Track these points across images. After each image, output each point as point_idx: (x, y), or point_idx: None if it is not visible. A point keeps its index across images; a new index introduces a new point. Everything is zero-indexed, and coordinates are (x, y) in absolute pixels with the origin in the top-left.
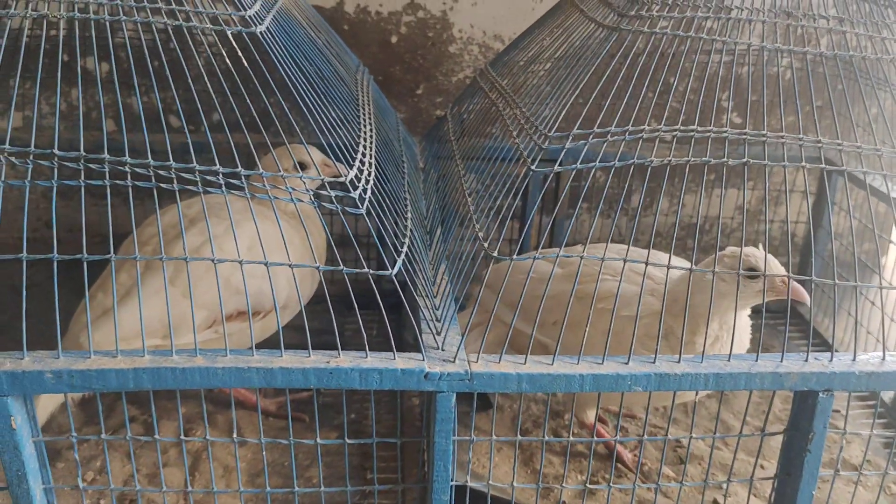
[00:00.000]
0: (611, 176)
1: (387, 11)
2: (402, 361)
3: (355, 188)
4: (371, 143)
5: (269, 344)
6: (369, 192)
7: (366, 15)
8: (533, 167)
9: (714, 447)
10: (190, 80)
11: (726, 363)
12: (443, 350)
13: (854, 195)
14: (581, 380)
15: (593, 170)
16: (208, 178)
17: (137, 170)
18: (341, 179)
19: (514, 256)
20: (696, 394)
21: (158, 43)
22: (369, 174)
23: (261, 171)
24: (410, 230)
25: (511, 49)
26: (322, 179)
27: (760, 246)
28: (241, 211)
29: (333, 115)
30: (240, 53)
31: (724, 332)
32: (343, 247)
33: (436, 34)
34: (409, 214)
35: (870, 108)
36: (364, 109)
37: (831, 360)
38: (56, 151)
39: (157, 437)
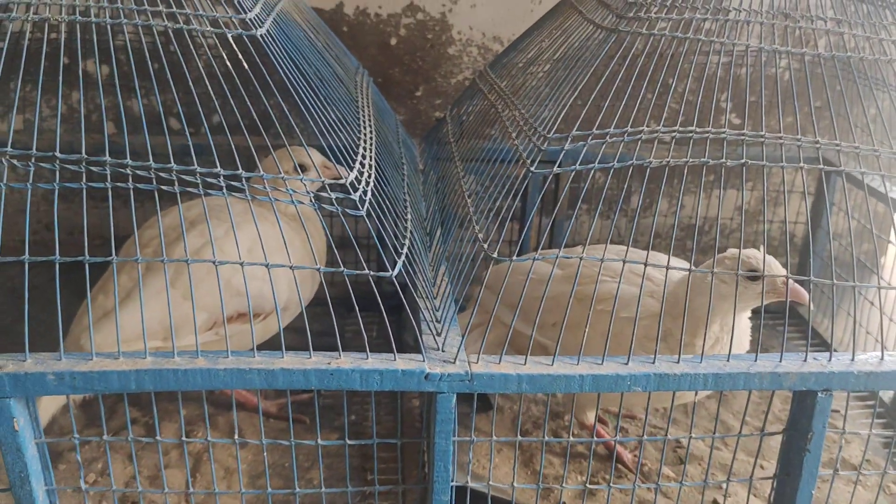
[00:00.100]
0: (609, 177)
1: (386, 13)
2: (402, 362)
3: (355, 190)
4: (371, 144)
5: (270, 346)
6: (369, 193)
7: (365, 17)
8: (532, 168)
9: (714, 447)
10: (190, 83)
11: (725, 363)
12: (443, 351)
13: (853, 196)
14: (581, 380)
15: (592, 171)
16: (209, 180)
17: (138, 172)
18: (341, 181)
19: (514, 258)
20: (696, 394)
21: (159, 45)
22: (369, 176)
23: (261, 173)
24: (410, 232)
25: (510, 51)
26: (322, 181)
27: (760, 247)
28: (242, 213)
29: (333, 116)
30: (240, 56)
31: (725, 333)
32: (343, 248)
33: (435, 36)
34: (408, 216)
35: (868, 109)
36: (364, 111)
37: (830, 360)
38: (58, 154)
39: (158, 438)
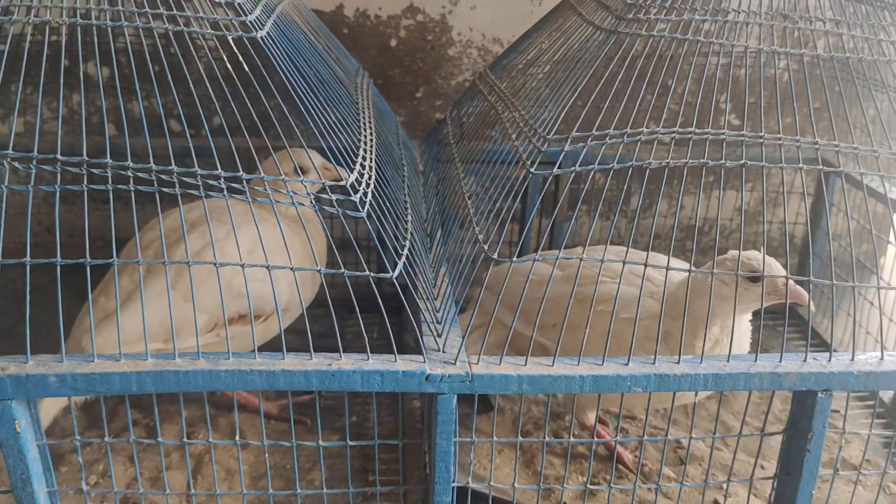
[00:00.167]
0: (609, 178)
1: (386, 15)
2: (403, 363)
3: (356, 191)
4: (371, 146)
5: (270, 347)
6: (370, 195)
7: (365, 19)
8: (532, 170)
9: (714, 448)
10: (191, 85)
11: (725, 364)
12: (444, 352)
13: (852, 196)
14: (581, 381)
15: (592, 172)
16: (210, 181)
17: (140, 174)
18: (342, 183)
19: (514, 259)
20: (696, 395)
21: (160, 48)
22: (370, 177)
23: (262, 174)
24: (411, 233)
25: (510, 52)
26: (323, 183)
27: (760, 248)
28: (243, 214)
29: (333, 118)
30: (240, 58)
31: (724, 335)
32: (343, 250)
33: (435, 37)
34: (409, 217)
35: (867, 110)
36: (364, 113)
37: (830, 360)
38: (59, 156)
39: (160, 439)
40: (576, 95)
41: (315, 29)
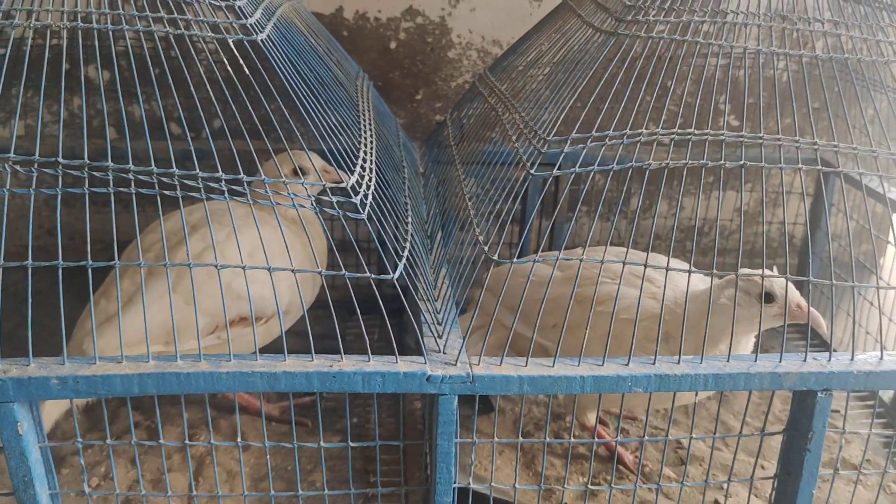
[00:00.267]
0: (609, 179)
1: (385, 17)
2: (404, 364)
3: (356, 193)
4: (371, 148)
5: (271, 349)
6: (370, 197)
7: (365, 21)
8: (532, 171)
9: (714, 448)
10: (192, 88)
11: (725, 364)
12: (444, 353)
13: (852, 197)
14: (582, 381)
15: (592, 173)
16: (211, 184)
17: (141, 177)
18: (343, 185)
19: (515, 260)
20: (696, 395)
21: (160, 51)
22: (370, 179)
23: (263, 177)
24: (411, 234)
25: (510, 54)
26: (324, 185)
27: (775, 268)
28: (243, 217)
29: (334, 120)
30: (241, 61)
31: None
32: (344, 252)
33: (434, 40)
34: (409, 219)
35: (866, 110)
36: (364, 115)
37: (829, 360)
38: (60, 159)
39: (161, 441)
40: (575, 97)
41: (315, 32)
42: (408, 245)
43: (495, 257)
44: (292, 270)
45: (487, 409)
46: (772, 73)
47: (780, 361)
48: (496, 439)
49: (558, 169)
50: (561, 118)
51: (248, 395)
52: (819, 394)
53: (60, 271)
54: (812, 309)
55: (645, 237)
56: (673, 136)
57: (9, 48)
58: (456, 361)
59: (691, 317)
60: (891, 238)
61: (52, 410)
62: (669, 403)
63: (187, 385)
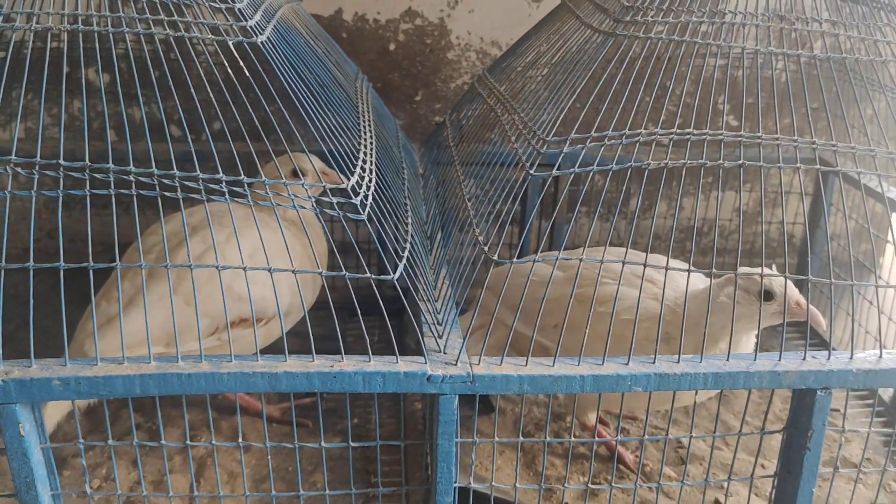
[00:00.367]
0: (608, 179)
1: (385, 19)
2: (404, 364)
3: (356, 194)
4: (371, 149)
5: (272, 351)
6: (370, 198)
7: (364, 23)
8: (531, 171)
9: (714, 447)
10: (192, 90)
11: (725, 362)
12: (445, 353)
13: (851, 196)
14: (582, 380)
15: (591, 173)
16: (211, 185)
17: (141, 178)
18: (343, 186)
19: (514, 260)
20: (696, 393)
21: (160, 53)
22: (370, 180)
23: (263, 178)
24: (411, 235)
25: (508, 55)
26: (324, 186)
27: (774, 267)
28: (244, 218)
29: (333, 122)
30: (241, 62)
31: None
32: (344, 253)
33: (434, 41)
34: (409, 220)
35: (864, 110)
36: (364, 116)
37: (829, 359)
38: (61, 161)
39: (162, 441)
40: (574, 97)
41: (315, 34)
42: (408, 246)
43: (495, 257)
44: (293, 271)
45: (488, 409)
46: (770, 73)
47: (780, 360)
48: (497, 439)
49: (557, 169)
50: (560, 119)
51: (249, 397)
52: (819, 392)
53: (62, 273)
54: (811, 306)
55: (644, 237)
56: (672, 136)
57: (9, 51)
58: (456, 361)
59: (691, 316)
60: (890, 237)
61: (54, 412)
62: (670, 404)
63: (189, 385)
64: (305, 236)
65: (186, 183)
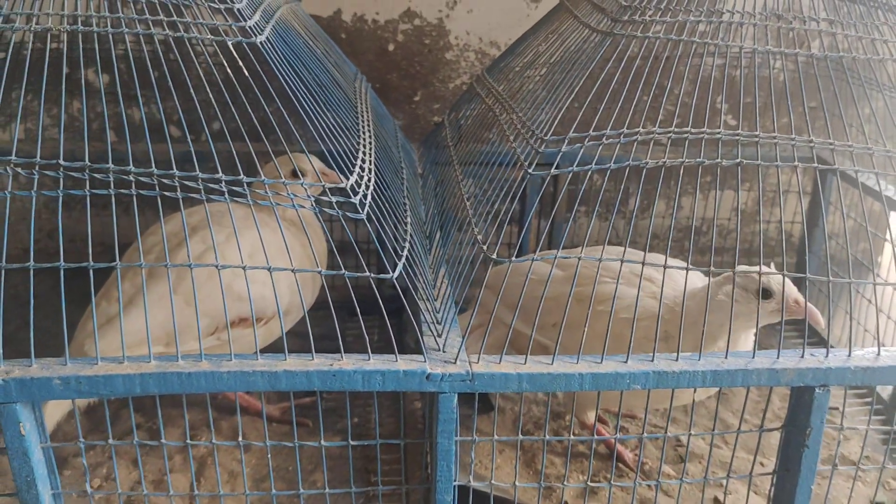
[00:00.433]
0: (606, 178)
1: (383, 20)
2: (404, 363)
3: (355, 194)
4: (370, 149)
5: (272, 351)
6: (369, 197)
7: (363, 23)
8: (530, 170)
9: (713, 445)
10: (191, 90)
11: (723, 360)
12: (444, 351)
13: (849, 195)
14: (580, 378)
15: (590, 173)
16: (211, 185)
17: (141, 178)
18: (342, 185)
19: (514, 258)
20: (695, 391)
21: (160, 53)
22: (369, 180)
23: (262, 178)
24: (410, 234)
25: (507, 55)
26: (323, 186)
27: (773, 265)
28: (243, 218)
29: (333, 122)
30: (240, 63)
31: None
32: (344, 253)
33: (432, 41)
34: (408, 219)
35: (862, 108)
36: (363, 116)
37: (827, 356)
38: (62, 161)
39: (163, 441)
40: (572, 97)
41: (313, 34)
42: (407, 245)
43: (494, 256)
44: (292, 270)
45: (487, 408)
46: (768, 72)
47: (778, 358)
48: (496, 437)
49: (556, 168)
50: (558, 118)
51: (249, 396)
52: (817, 390)
53: (62, 273)
54: (810, 305)
55: (643, 237)
56: (670, 134)
57: (9, 52)
58: (455, 360)
59: (690, 314)
60: (888, 236)
61: (54, 412)
62: (668, 403)
63: (189, 384)
64: (305, 236)
65: (186, 182)
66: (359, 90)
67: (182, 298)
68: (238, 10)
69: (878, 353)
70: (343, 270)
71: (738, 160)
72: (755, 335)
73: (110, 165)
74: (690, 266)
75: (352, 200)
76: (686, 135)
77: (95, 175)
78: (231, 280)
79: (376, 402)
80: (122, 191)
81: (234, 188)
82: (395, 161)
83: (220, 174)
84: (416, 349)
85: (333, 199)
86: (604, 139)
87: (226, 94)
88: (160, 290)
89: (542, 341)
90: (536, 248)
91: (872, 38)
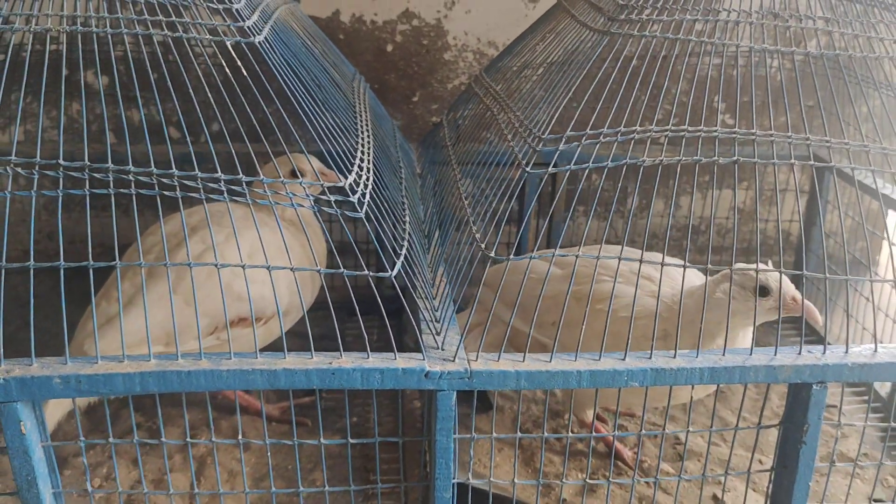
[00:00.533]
0: (604, 177)
1: (382, 20)
2: (402, 361)
3: (354, 193)
4: (369, 149)
5: (271, 350)
6: (368, 196)
7: (361, 24)
8: (528, 169)
9: (712, 443)
10: (191, 91)
11: (721, 357)
12: (442, 350)
13: (847, 193)
14: (578, 376)
15: (588, 172)
16: (210, 185)
17: (141, 178)
18: (341, 185)
19: (512, 257)
20: (692, 389)
21: (159, 55)
22: (367, 179)
23: (262, 177)
24: (409, 234)
25: (505, 55)
26: (322, 185)
27: (770, 263)
28: (243, 218)
29: (331, 122)
30: (239, 63)
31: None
32: (343, 253)
33: (430, 42)
34: (407, 218)
35: (859, 107)
36: (361, 117)
37: (824, 353)
38: (61, 162)
39: (163, 439)
40: (570, 96)
41: (312, 35)
42: (405, 244)
43: (492, 255)
44: (291, 269)
45: (486, 407)
46: (765, 71)
47: (776, 355)
48: (495, 435)
49: (553, 167)
50: (556, 117)
51: (249, 396)
52: (814, 386)
53: (62, 273)
54: (807, 302)
55: (642, 236)
56: (667, 133)
57: (8, 54)
58: (454, 357)
59: (688, 312)
60: (886, 233)
61: (55, 411)
62: (667, 401)
63: (188, 383)
64: (304, 236)
65: (185, 182)
66: (357, 90)
67: (182, 298)
68: (237, 10)
69: (876, 350)
70: (342, 269)
71: (735, 158)
72: (753, 333)
73: (109, 165)
74: (688, 264)
75: (350, 199)
76: (683, 133)
77: (95, 175)
78: (230, 280)
79: (375, 401)
80: (122, 190)
81: (233, 188)
82: (393, 161)
83: (220, 174)
84: (415, 349)
85: (332, 199)
86: (601, 138)
87: (225, 95)
88: (160, 290)
89: (541, 339)
90: (535, 247)
91: (869, 36)
